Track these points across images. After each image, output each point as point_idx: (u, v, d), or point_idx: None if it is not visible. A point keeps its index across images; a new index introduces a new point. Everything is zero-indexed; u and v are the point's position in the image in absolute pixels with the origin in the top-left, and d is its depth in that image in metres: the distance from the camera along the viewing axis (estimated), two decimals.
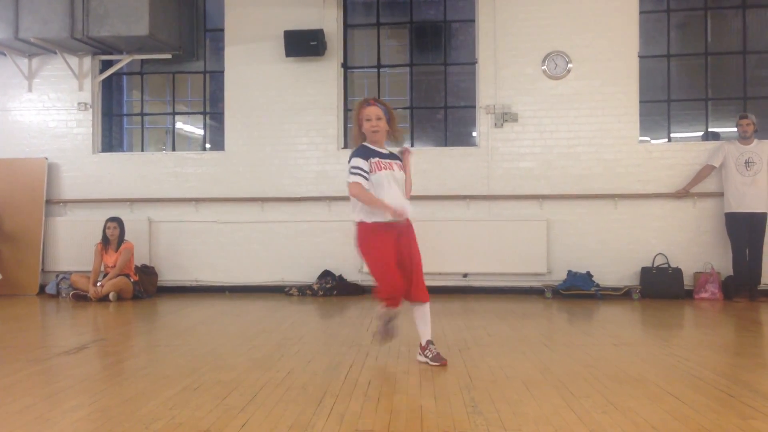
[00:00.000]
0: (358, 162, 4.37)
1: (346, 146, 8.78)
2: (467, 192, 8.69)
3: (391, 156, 4.51)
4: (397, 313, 4.46)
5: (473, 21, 8.99)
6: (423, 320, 4.51)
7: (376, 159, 4.40)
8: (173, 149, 9.68)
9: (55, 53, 9.05)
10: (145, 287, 8.51)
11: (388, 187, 4.36)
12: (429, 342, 4.45)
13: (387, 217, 4.30)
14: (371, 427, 3.08)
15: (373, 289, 4.56)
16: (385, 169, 4.39)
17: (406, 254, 4.41)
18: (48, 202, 9.23)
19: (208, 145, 9.72)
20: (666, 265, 8.24)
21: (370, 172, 4.35)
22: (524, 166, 8.67)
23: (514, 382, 3.89)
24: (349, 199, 4.51)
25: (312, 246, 8.76)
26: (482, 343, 5.23)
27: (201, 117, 9.83)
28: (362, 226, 4.42)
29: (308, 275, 8.78)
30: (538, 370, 4.22)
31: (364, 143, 4.47)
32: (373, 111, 4.40)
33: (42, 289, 8.96)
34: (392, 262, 4.33)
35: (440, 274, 8.57)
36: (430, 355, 4.38)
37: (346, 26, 9.22)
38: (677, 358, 4.59)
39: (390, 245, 4.35)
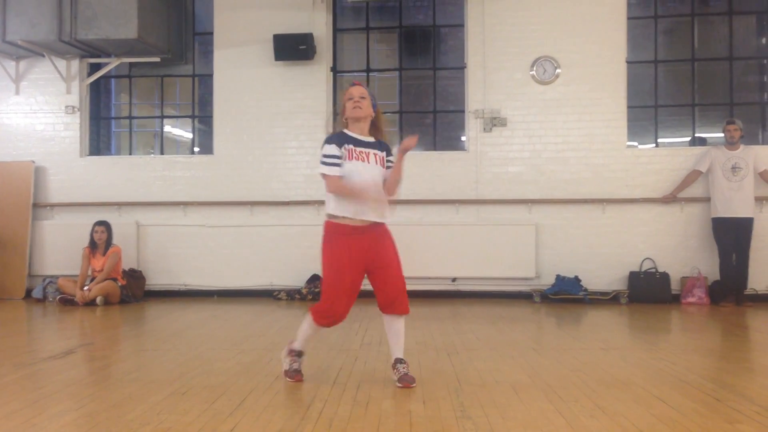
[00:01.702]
0: (330, 149, 3.91)
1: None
2: (456, 196, 8.71)
3: (375, 145, 4.03)
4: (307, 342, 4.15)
5: (462, 26, 9.02)
6: (396, 335, 4.09)
7: (351, 146, 3.94)
8: (161, 153, 9.64)
9: (43, 56, 8.99)
10: (133, 291, 8.46)
11: (359, 181, 3.91)
12: (399, 360, 4.04)
13: (360, 216, 3.91)
14: (360, 431, 3.08)
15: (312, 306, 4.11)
16: (359, 159, 3.92)
17: (378, 264, 3.98)
18: (35, 205, 9.17)
19: (196, 149, 9.69)
20: (653, 270, 8.29)
21: (348, 159, 3.91)
22: (513, 170, 8.70)
23: (502, 387, 3.89)
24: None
25: (301, 250, 8.74)
26: (471, 347, 5.24)
27: (190, 120, 9.80)
28: (328, 225, 3.99)
29: (297, 279, 8.77)
30: (527, 374, 4.23)
31: (344, 130, 4.05)
32: (357, 90, 4.01)
33: (28, 293, 8.89)
34: (347, 277, 3.90)
35: (429, 278, 8.59)
36: (397, 375, 3.97)
37: (336, 30, 9.23)
38: (664, 362, 4.61)
39: (353, 254, 3.91)
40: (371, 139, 4.05)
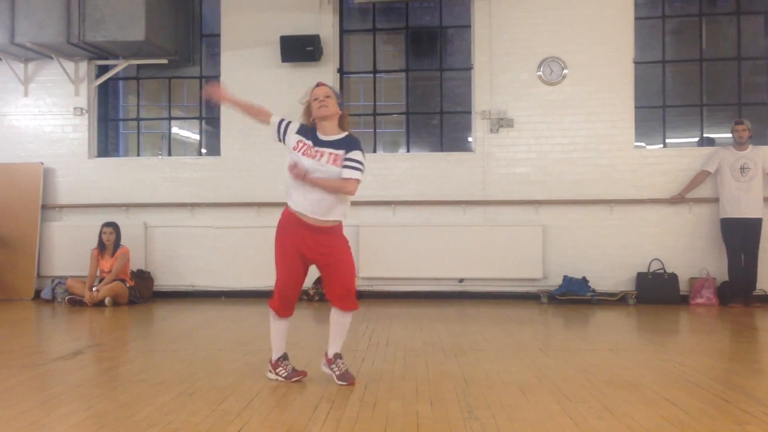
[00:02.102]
0: (291, 126, 4.13)
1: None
2: (463, 197, 8.70)
3: (333, 144, 4.01)
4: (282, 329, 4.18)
5: (469, 27, 9.02)
6: (338, 329, 4.15)
7: (309, 142, 4.01)
8: (169, 154, 9.68)
9: (51, 58, 9.04)
10: (141, 292, 8.49)
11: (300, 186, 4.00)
12: (338, 356, 4.11)
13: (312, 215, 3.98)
14: None
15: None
16: (309, 156, 3.98)
17: (331, 260, 4.06)
18: (44, 207, 9.21)
19: (203, 150, 9.71)
20: (662, 271, 8.26)
21: (294, 149, 4.04)
22: (520, 171, 8.69)
23: (510, 388, 3.89)
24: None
25: None
26: (478, 348, 5.24)
27: (197, 122, 9.82)
28: (284, 212, 4.16)
29: None
30: (534, 375, 4.22)
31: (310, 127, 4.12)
32: (321, 90, 4.07)
33: (37, 294, 8.92)
34: (295, 263, 4.04)
35: (436, 279, 8.60)
36: (338, 372, 4.03)
37: (342, 32, 9.24)
38: (673, 363, 4.59)
39: (297, 243, 4.02)
40: (332, 138, 4.06)
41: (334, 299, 4.14)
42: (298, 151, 4.03)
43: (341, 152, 4.01)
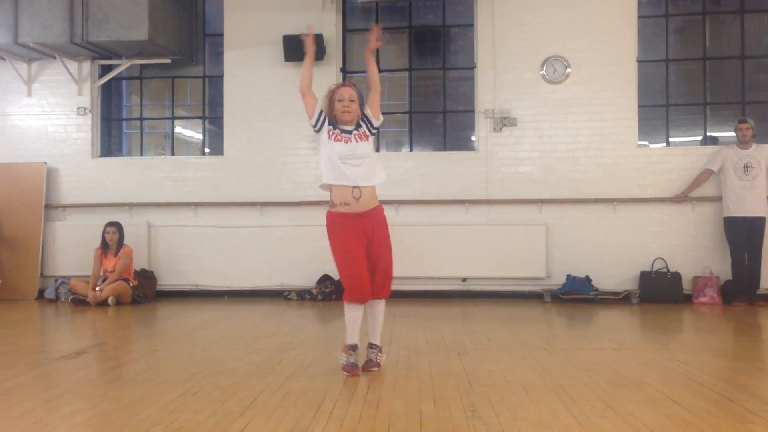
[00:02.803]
0: (322, 116, 4.36)
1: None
2: (466, 196, 8.70)
3: (355, 129, 4.37)
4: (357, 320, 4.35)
5: (472, 26, 9.01)
6: (377, 317, 4.46)
7: (338, 131, 4.32)
8: (172, 154, 9.68)
9: (55, 58, 9.05)
10: (144, 292, 8.50)
11: (347, 167, 4.23)
12: (372, 345, 4.43)
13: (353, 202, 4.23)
14: (371, 431, 3.08)
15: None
16: (339, 141, 4.28)
17: (374, 250, 4.30)
18: (47, 206, 9.23)
19: (207, 150, 9.72)
20: (665, 270, 8.24)
21: (329, 138, 4.29)
22: (523, 170, 8.68)
23: (513, 387, 3.89)
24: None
25: (311, 250, 8.73)
26: (481, 347, 5.23)
27: (200, 121, 9.83)
28: (329, 214, 4.35)
29: (307, 280, 8.78)
30: (538, 374, 4.22)
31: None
32: (347, 92, 4.33)
33: (41, 293, 8.95)
34: (357, 252, 4.22)
35: (439, 278, 8.60)
36: (377, 357, 4.38)
37: (345, 31, 9.24)
38: (676, 362, 4.59)
39: (355, 234, 4.24)
40: (352, 127, 4.38)
41: (376, 289, 4.32)
42: (332, 139, 4.28)
43: (362, 129, 4.37)
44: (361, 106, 4.38)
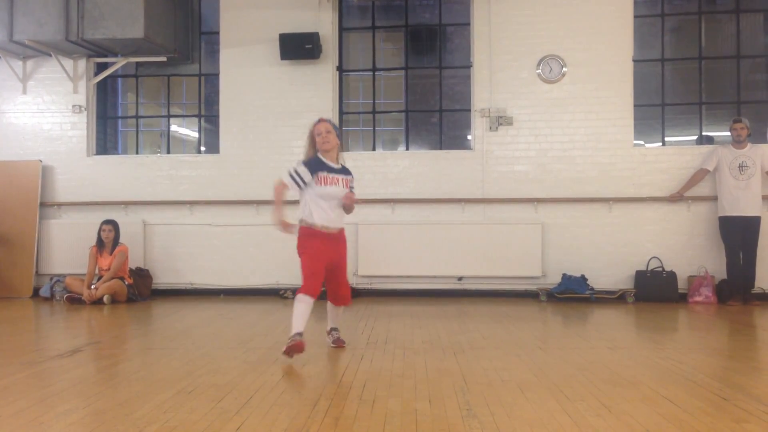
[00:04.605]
0: (303, 170, 4.85)
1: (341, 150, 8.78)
2: (462, 195, 8.71)
3: (341, 171, 4.97)
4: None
5: (468, 24, 9.01)
6: (337, 315, 5.37)
7: (325, 173, 4.85)
8: (168, 152, 9.67)
9: (50, 56, 9.03)
10: (140, 290, 8.49)
11: (329, 202, 4.87)
12: (334, 328, 5.29)
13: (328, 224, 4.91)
14: (366, 430, 3.08)
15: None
16: (331, 184, 4.87)
17: (335, 265, 4.98)
18: (42, 204, 9.21)
19: (202, 148, 9.71)
20: (660, 269, 8.26)
21: (317, 184, 4.83)
22: (519, 169, 8.69)
23: (508, 385, 3.89)
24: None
25: None
26: (477, 346, 5.24)
27: (196, 120, 9.82)
28: (303, 229, 4.91)
29: None
30: (533, 373, 4.23)
31: (318, 155, 4.93)
32: (323, 126, 4.92)
33: (36, 292, 8.92)
34: (324, 259, 4.87)
35: (435, 277, 8.61)
36: (331, 339, 5.22)
37: (342, 29, 9.23)
38: (671, 361, 4.60)
39: (324, 246, 4.87)
40: (339, 166, 4.99)
41: (337, 299, 5.24)
42: (324, 185, 4.85)
43: (349, 177, 5.04)
44: (338, 137, 4.98)
